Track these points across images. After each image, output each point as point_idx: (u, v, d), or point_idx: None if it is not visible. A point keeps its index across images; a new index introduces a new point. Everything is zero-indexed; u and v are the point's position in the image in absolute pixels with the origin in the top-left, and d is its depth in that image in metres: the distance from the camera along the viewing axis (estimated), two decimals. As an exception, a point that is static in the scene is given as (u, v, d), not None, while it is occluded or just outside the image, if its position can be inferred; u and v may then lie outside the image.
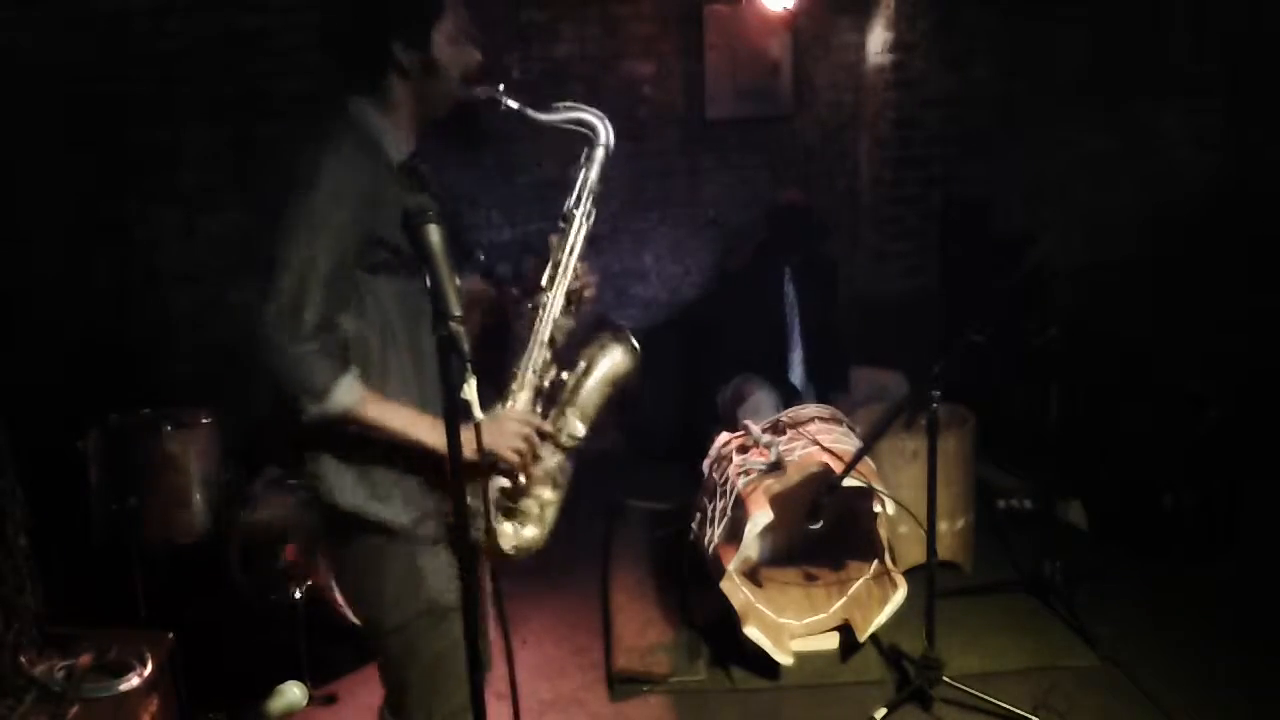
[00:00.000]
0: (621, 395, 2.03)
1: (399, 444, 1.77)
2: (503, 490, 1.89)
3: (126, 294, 4.53)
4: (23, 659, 2.29)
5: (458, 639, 1.86)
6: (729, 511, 3.17)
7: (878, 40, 5.03)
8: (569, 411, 1.97)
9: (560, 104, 1.95)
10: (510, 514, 1.91)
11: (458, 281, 1.52)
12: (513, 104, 1.89)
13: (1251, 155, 5.04)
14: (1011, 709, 2.87)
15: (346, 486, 1.81)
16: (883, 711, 2.92)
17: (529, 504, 1.93)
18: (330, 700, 3.06)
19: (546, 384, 1.96)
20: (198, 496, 3.13)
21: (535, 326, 1.93)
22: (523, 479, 1.91)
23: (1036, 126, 5.09)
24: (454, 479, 1.53)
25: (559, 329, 1.96)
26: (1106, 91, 5.09)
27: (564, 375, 1.99)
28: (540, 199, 4.91)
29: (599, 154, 1.97)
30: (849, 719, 2.96)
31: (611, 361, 2.01)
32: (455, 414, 1.51)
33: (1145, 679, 3.04)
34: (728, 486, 3.23)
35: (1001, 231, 5.04)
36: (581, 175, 1.97)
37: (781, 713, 3.04)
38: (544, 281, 1.95)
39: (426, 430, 1.76)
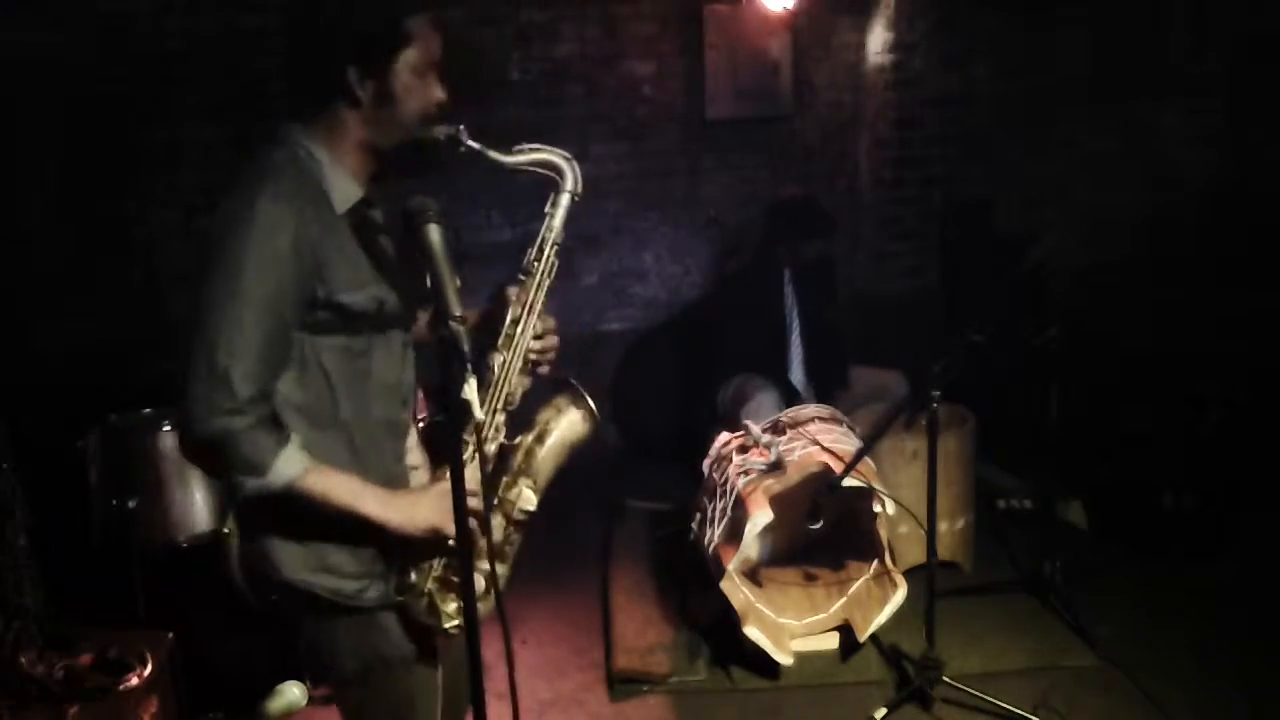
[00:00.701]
0: (577, 459, 1.88)
1: (340, 517, 1.63)
2: (447, 565, 1.74)
3: (126, 294, 4.53)
4: (23, 659, 2.29)
5: (422, 688, 1.83)
6: (729, 511, 3.17)
7: (878, 40, 5.03)
8: (521, 481, 1.82)
9: (524, 145, 1.79)
10: (454, 589, 1.74)
11: (458, 282, 1.51)
12: (473, 144, 1.71)
13: (1251, 155, 5.04)
14: (1011, 709, 2.87)
15: (292, 560, 1.69)
16: (883, 711, 2.92)
17: (475, 579, 1.71)
18: (330, 700, 3.06)
19: (497, 450, 1.80)
20: (198, 496, 3.13)
21: (489, 394, 1.76)
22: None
23: (1036, 126, 5.09)
24: (455, 483, 1.52)
25: (515, 392, 1.80)
26: (1106, 91, 5.09)
27: (516, 440, 1.83)
28: (540, 198, 4.86)
29: (564, 200, 1.82)
30: (849, 719, 2.96)
31: (568, 426, 1.85)
32: (455, 413, 1.51)
33: (1145, 679, 3.04)
34: (728, 486, 3.23)
35: (1001, 231, 5.04)
36: (545, 223, 1.82)
37: (781, 713, 3.04)
38: (500, 340, 1.79)
39: (373, 502, 1.64)
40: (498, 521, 1.79)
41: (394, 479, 1.76)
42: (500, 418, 1.79)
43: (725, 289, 4.84)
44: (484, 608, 1.74)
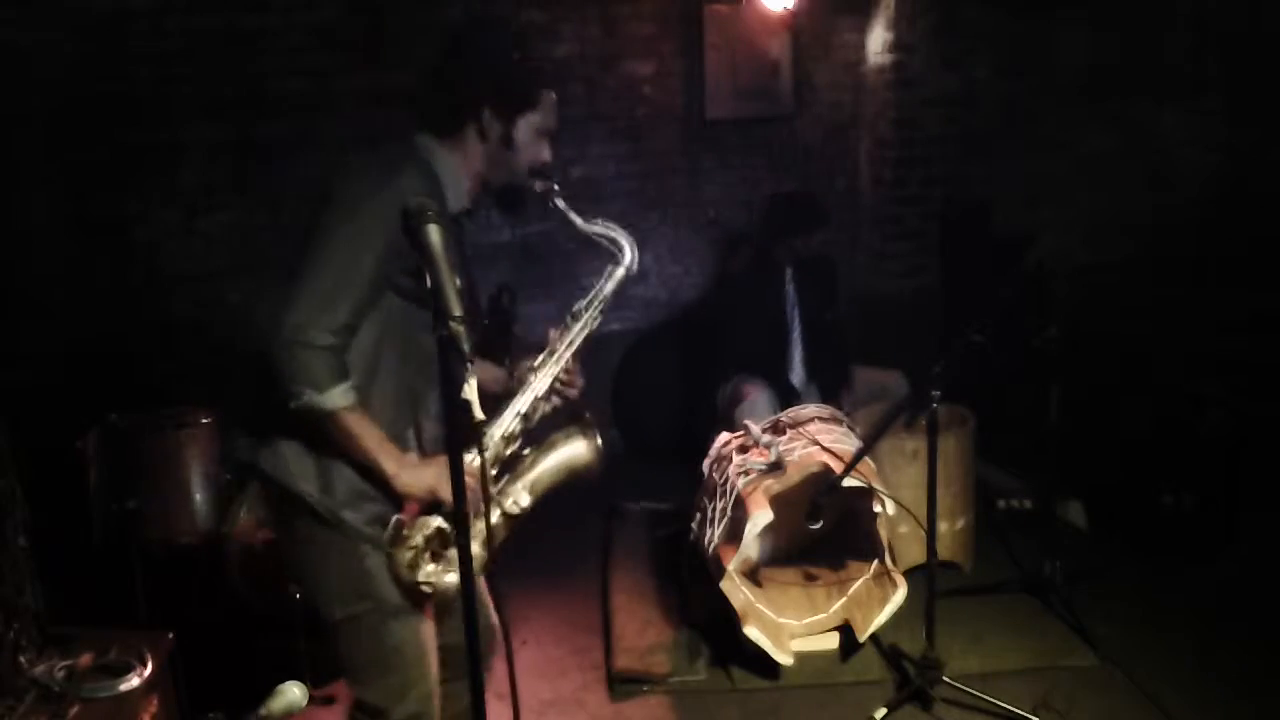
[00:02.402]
0: (577, 484, 2.12)
1: (361, 461, 1.86)
2: (438, 529, 1.93)
3: (126, 294, 4.53)
4: (23, 659, 2.29)
5: (414, 642, 1.98)
6: (729, 511, 3.17)
7: (878, 40, 5.03)
8: (519, 482, 2.04)
9: (599, 220, 2.12)
10: (435, 557, 1.94)
11: (458, 282, 1.52)
12: (560, 204, 2.05)
13: (1251, 155, 5.04)
14: (1011, 709, 2.87)
15: (304, 474, 1.89)
16: (883, 711, 2.92)
17: (454, 553, 1.94)
18: (330, 700, 3.06)
19: (508, 452, 2.03)
20: (198, 496, 3.13)
21: (516, 398, 2.05)
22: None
23: (1036, 126, 5.09)
24: (455, 478, 1.53)
25: (536, 408, 2.07)
26: (1106, 91, 5.09)
27: (526, 450, 2.08)
28: (541, 201, 4.89)
29: (620, 273, 2.13)
30: (849, 719, 2.96)
31: (572, 451, 2.10)
32: (455, 413, 1.51)
33: (1145, 679, 3.04)
34: (728, 486, 3.23)
35: (1001, 231, 5.05)
36: (599, 286, 2.13)
37: (781, 713, 3.04)
38: (535, 363, 2.09)
39: (390, 459, 1.86)
40: (494, 514, 1.99)
41: (403, 440, 1.94)
42: (518, 425, 2.04)
43: (725, 289, 4.84)
44: (453, 581, 1.92)
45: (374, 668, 1.98)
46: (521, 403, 2.04)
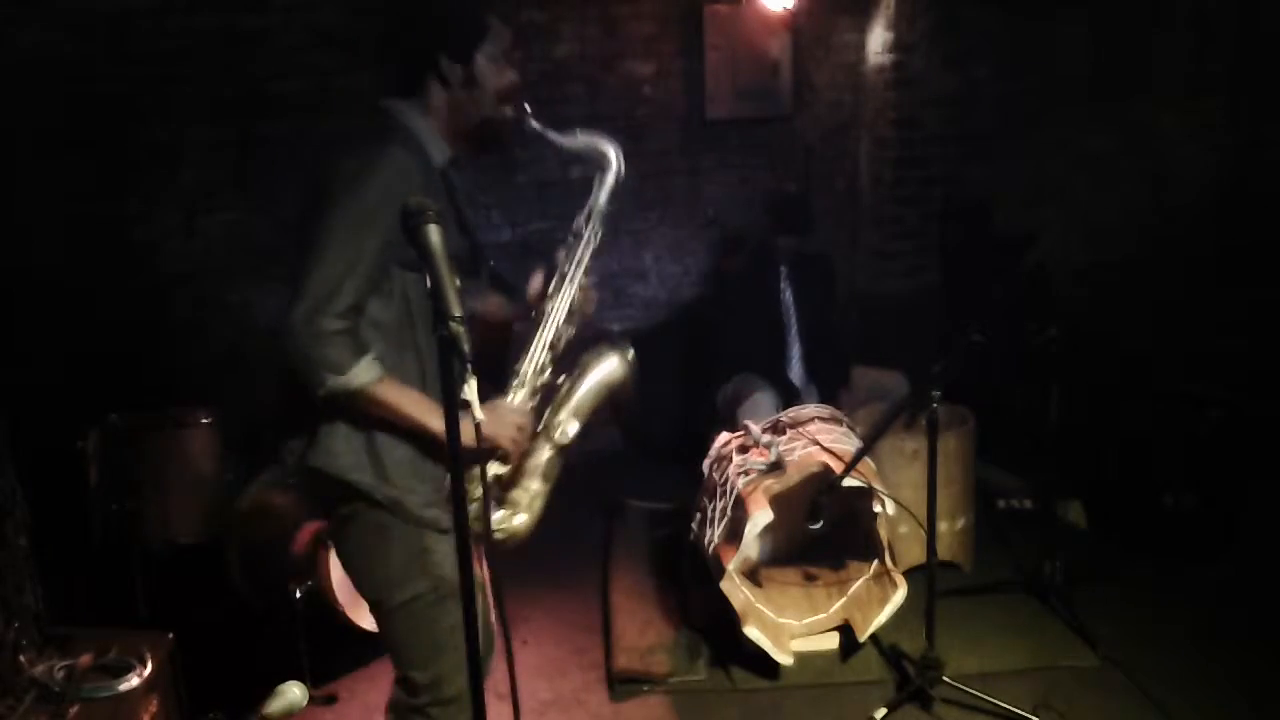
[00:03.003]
0: (616, 401, 2.15)
1: (407, 429, 1.86)
2: (497, 478, 1.99)
3: (126, 294, 4.53)
4: (23, 659, 2.29)
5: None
6: (729, 511, 3.17)
7: (878, 40, 5.03)
8: (564, 411, 2.08)
9: (578, 130, 2.09)
10: (501, 502, 2.01)
11: (458, 282, 1.51)
12: (536, 125, 2.04)
13: (1251, 155, 5.04)
14: (1011, 709, 2.87)
15: (357, 463, 1.88)
16: (883, 711, 2.92)
17: (519, 494, 2.04)
18: (330, 700, 3.06)
19: (544, 384, 2.06)
20: (198, 496, 3.13)
21: (539, 330, 2.06)
22: (515, 468, 2.02)
23: (1036, 126, 5.09)
24: (454, 478, 1.53)
25: (560, 336, 2.08)
26: (1106, 91, 5.09)
27: (561, 378, 2.10)
28: (540, 199, 4.91)
29: (609, 179, 2.10)
30: (849, 719, 2.96)
31: (606, 368, 2.13)
32: (455, 414, 1.51)
33: (1145, 679, 3.04)
34: (728, 486, 3.23)
35: (1001, 231, 5.05)
36: (591, 198, 2.11)
37: (781, 713, 3.04)
38: (550, 290, 2.09)
39: (434, 416, 1.83)
40: (546, 448, 2.06)
41: None
42: (546, 356, 2.06)
43: (724, 288, 4.84)
44: (525, 519, 2.03)
45: (431, 648, 1.98)
46: (546, 333, 2.06)
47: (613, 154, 2.10)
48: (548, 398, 2.08)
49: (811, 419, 3.46)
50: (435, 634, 1.97)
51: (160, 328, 4.55)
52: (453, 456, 1.52)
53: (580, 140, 2.10)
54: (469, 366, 1.47)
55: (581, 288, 2.11)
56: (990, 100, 5.07)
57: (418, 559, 1.94)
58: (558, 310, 2.08)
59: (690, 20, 4.99)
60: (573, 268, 2.10)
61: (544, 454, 2.07)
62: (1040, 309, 3.48)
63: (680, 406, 4.93)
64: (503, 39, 1.97)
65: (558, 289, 2.09)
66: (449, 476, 1.84)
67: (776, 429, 3.42)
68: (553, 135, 2.06)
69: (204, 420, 3.21)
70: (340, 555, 2.05)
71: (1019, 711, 2.86)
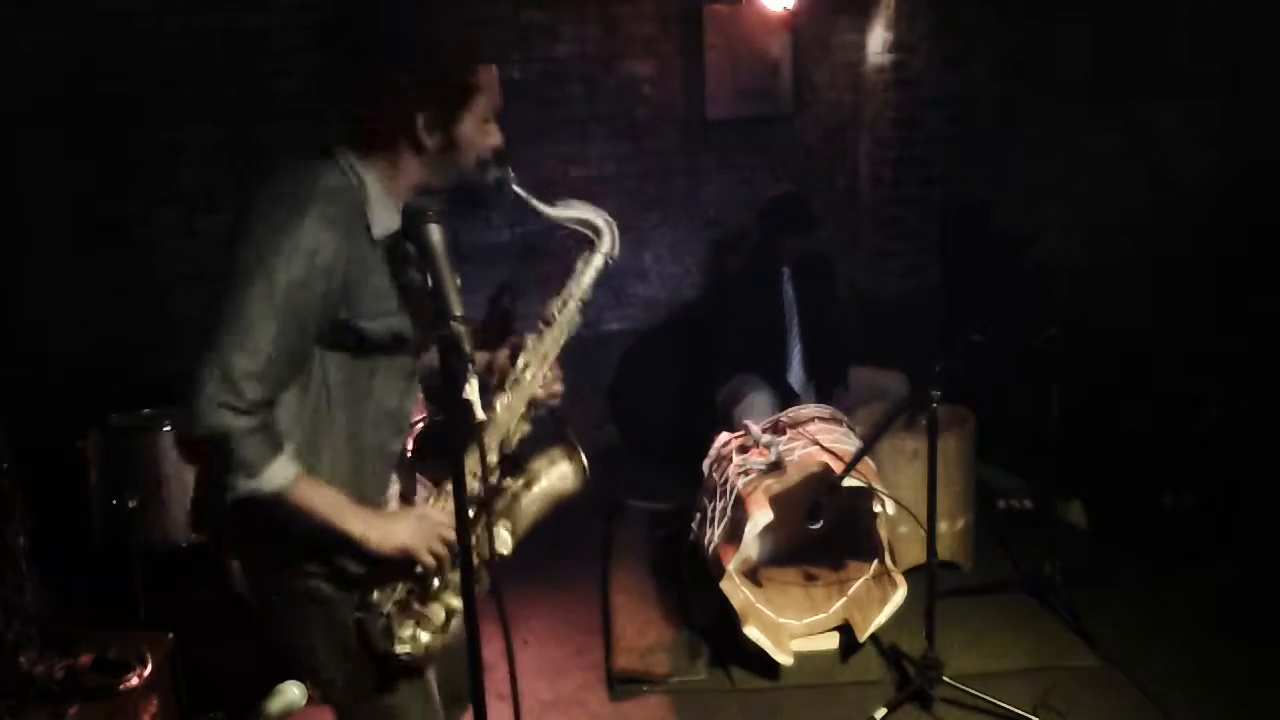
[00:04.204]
0: (561, 511, 1.90)
1: (324, 531, 1.64)
2: (409, 591, 1.75)
3: (126, 294, 4.53)
4: (23, 659, 2.29)
5: (415, 692, 1.82)
6: (729, 511, 3.17)
7: (878, 40, 5.03)
8: (501, 523, 1.82)
9: (570, 201, 1.84)
10: (414, 616, 1.75)
11: (458, 281, 1.50)
12: (520, 191, 1.77)
13: (1251, 155, 5.04)
14: (1011, 709, 2.87)
15: (280, 557, 1.71)
16: (883, 711, 2.92)
17: (435, 609, 1.76)
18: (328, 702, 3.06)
19: (488, 490, 1.76)
20: (198, 497, 3.13)
21: (485, 434, 1.75)
22: (434, 582, 1.76)
23: (1036, 126, 5.08)
24: (455, 478, 1.52)
25: (514, 434, 1.82)
26: (1106, 91, 5.09)
27: (505, 483, 1.85)
28: (541, 198, 4.89)
29: (597, 261, 1.85)
30: (849, 719, 2.96)
31: (559, 479, 1.87)
32: (455, 413, 1.51)
33: (1145, 679, 3.04)
34: (728, 486, 3.23)
35: (1001, 231, 5.04)
36: (574, 280, 1.84)
37: (781, 713, 3.04)
38: (508, 383, 1.81)
39: (353, 519, 1.65)
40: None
41: (375, 504, 1.76)
42: (494, 458, 1.79)
43: (724, 289, 4.84)
44: (434, 641, 1.76)
45: None
46: (493, 438, 1.78)
47: (606, 231, 1.83)
48: (487, 504, 1.77)
49: (811, 419, 3.46)
50: (377, 710, 1.81)
51: (160, 328, 4.55)
52: (453, 461, 1.52)
53: (570, 212, 1.82)
54: (470, 366, 1.44)
55: (544, 384, 1.84)
56: (990, 100, 5.07)
57: (346, 640, 1.75)
58: (512, 409, 1.80)
59: (690, 20, 4.99)
60: (536, 363, 1.82)
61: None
62: (1040, 309, 3.47)
63: (679, 406, 4.94)
64: (492, 95, 1.70)
65: (515, 385, 1.81)
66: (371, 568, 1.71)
67: (776, 429, 3.42)
68: (537, 204, 1.78)
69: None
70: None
71: (1019, 711, 2.86)
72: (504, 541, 1.81)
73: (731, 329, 4.27)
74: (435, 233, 1.52)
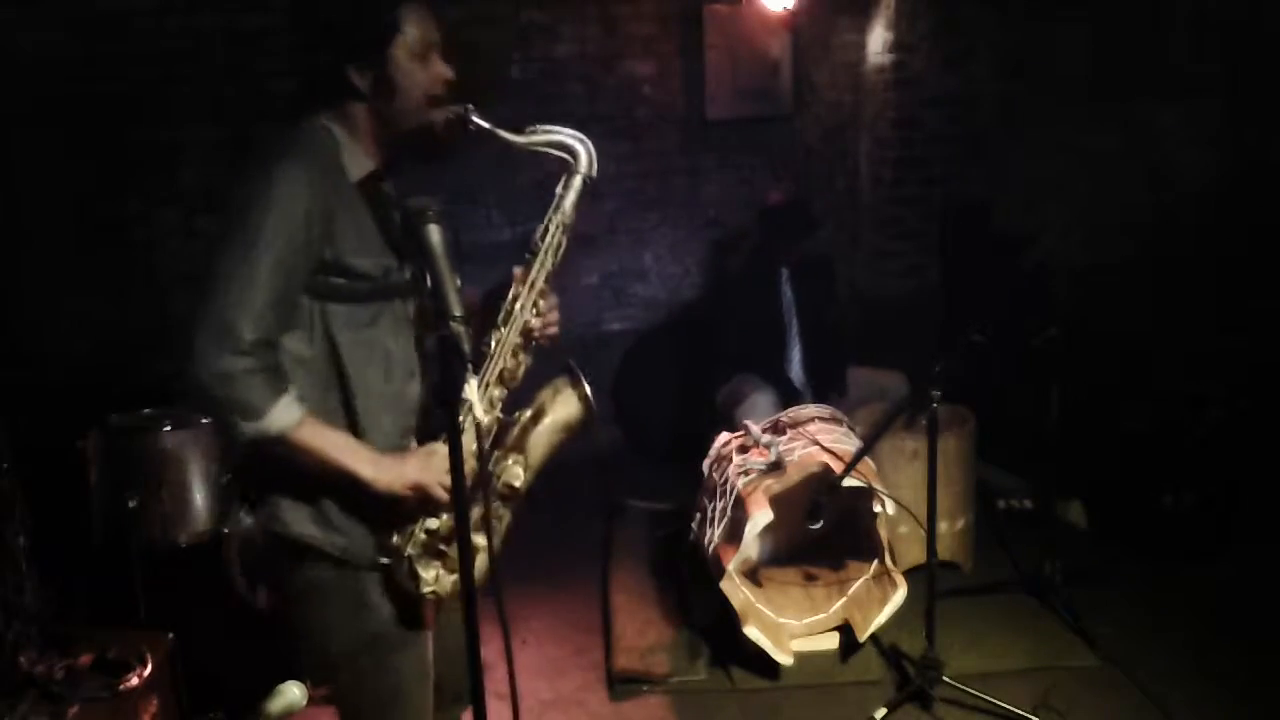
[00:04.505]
0: (575, 441, 1.89)
1: (332, 473, 1.66)
2: (429, 532, 1.75)
3: (126, 294, 4.53)
4: (23, 659, 2.29)
5: (415, 673, 1.85)
6: (729, 511, 3.17)
7: (878, 40, 5.03)
8: (511, 457, 1.83)
9: (537, 126, 1.79)
10: (437, 556, 1.76)
11: (458, 281, 1.51)
12: (482, 123, 1.73)
13: (1251, 155, 5.03)
14: (1011, 709, 2.87)
15: (299, 517, 1.73)
16: (883, 711, 2.92)
17: (456, 550, 1.70)
18: (330, 700, 3.06)
19: (494, 423, 1.81)
20: (198, 496, 3.13)
21: (485, 365, 1.77)
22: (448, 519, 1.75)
23: (1036, 126, 5.08)
24: (455, 478, 1.52)
25: (518, 366, 1.82)
26: (1106, 91, 5.09)
27: (515, 416, 1.85)
28: (541, 197, 4.84)
29: (576, 182, 1.81)
30: (849, 719, 2.96)
31: (564, 407, 1.86)
32: (455, 414, 1.51)
33: (1145, 679, 3.04)
34: (728, 486, 3.23)
35: (1001, 231, 5.04)
36: (554, 203, 1.81)
37: (781, 713, 3.04)
38: (500, 316, 1.80)
39: (365, 461, 1.67)
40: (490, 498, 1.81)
41: (393, 450, 1.76)
42: (497, 392, 1.80)
43: (724, 289, 4.84)
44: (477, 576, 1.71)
45: (376, 708, 1.86)
46: (496, 365, 1.77)
47: (581, 150, 1.80)
48: (498, 439, 1.81)
49: (811, 419, 3.46)
50: (381, 693, 1.84)
51: (160, 328, 4.55)
52: (453, 458, 1.52)
53: (539, 137, 1.78)
54: (470, 366, 1.45)
55: (539, 311, 1.82)
56: (990, 100, 5.07)
57: (360, 615, 1.78)
58: (506, 341, 1.78)
59: (690, 20, 4.99)
60: (526, 290, 1.80)
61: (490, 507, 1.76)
62: (1040, 309, 3.47)
63: (679, 406, 4.94)
64: (425, 29, 1.69)
65: (507, 317, 1.79)
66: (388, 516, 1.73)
67: (776, 429, 3.42)
68: (503, 133, 1.74)
69: (204, 420, 3.20)
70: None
71: (1019, 711, 2.86)
72: (515, 474, 1.82)
73: (731, 329, 4.27)
74: (435, 233, 1.52)
